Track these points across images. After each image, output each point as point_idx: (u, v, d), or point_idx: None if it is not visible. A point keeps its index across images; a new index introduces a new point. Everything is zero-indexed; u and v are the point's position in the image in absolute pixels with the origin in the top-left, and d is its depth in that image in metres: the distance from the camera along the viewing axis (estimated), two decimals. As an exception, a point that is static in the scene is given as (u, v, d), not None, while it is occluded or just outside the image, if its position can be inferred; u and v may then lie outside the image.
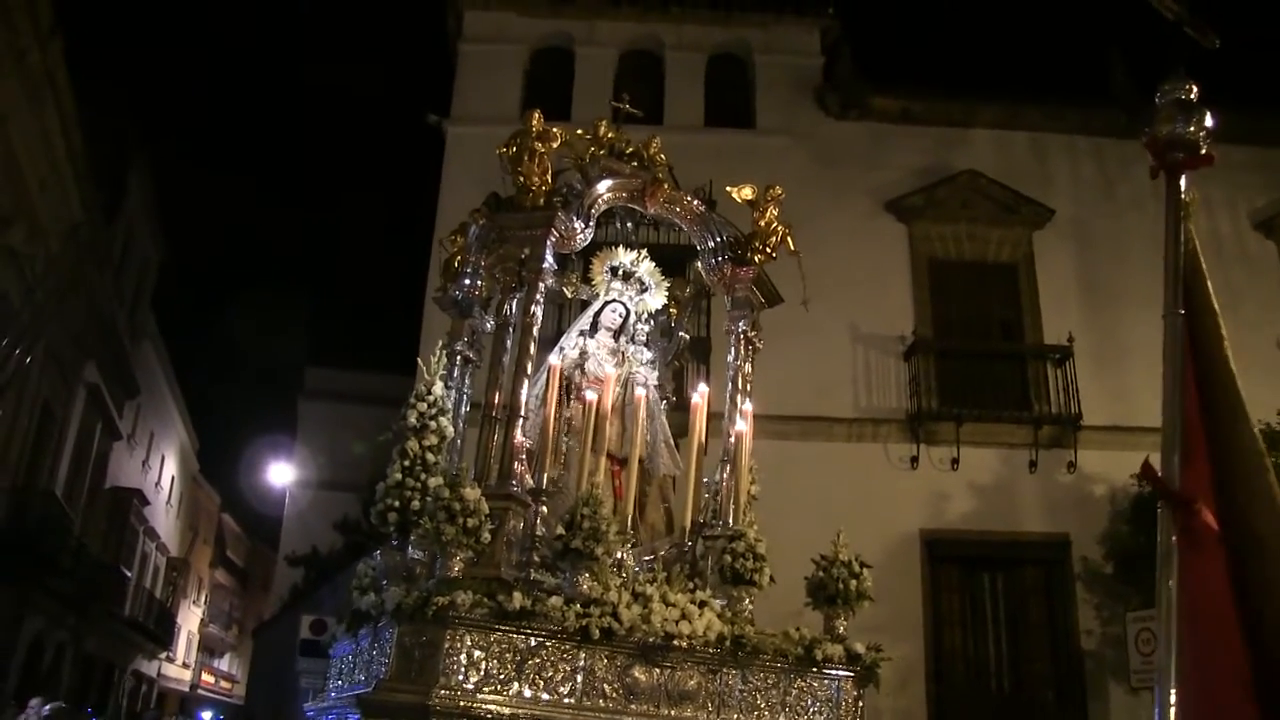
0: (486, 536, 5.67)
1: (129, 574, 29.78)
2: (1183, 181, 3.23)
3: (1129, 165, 16.43)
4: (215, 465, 43.28)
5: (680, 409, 7.79)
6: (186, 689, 42.16)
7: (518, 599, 5.36)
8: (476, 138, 15.57)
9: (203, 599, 44.48)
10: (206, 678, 45.31)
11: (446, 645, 5.29)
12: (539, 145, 6.68)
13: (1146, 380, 15.22)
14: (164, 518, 35.29)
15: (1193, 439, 3.07)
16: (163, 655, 37.19)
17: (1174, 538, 2.97)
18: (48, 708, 9.28)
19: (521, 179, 6.66)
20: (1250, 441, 3.13)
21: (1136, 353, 15.37)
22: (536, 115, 6.84)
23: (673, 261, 8.22)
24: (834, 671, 6.14)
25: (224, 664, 48.76)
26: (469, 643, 5.33)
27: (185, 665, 42.39)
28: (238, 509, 45.49)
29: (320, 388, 31.55)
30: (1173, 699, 2.73)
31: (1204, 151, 3.24)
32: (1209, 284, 3.22)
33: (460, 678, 5.27)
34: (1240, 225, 16.82)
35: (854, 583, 6.35)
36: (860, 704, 6.25)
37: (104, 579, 26.73)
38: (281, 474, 32.03)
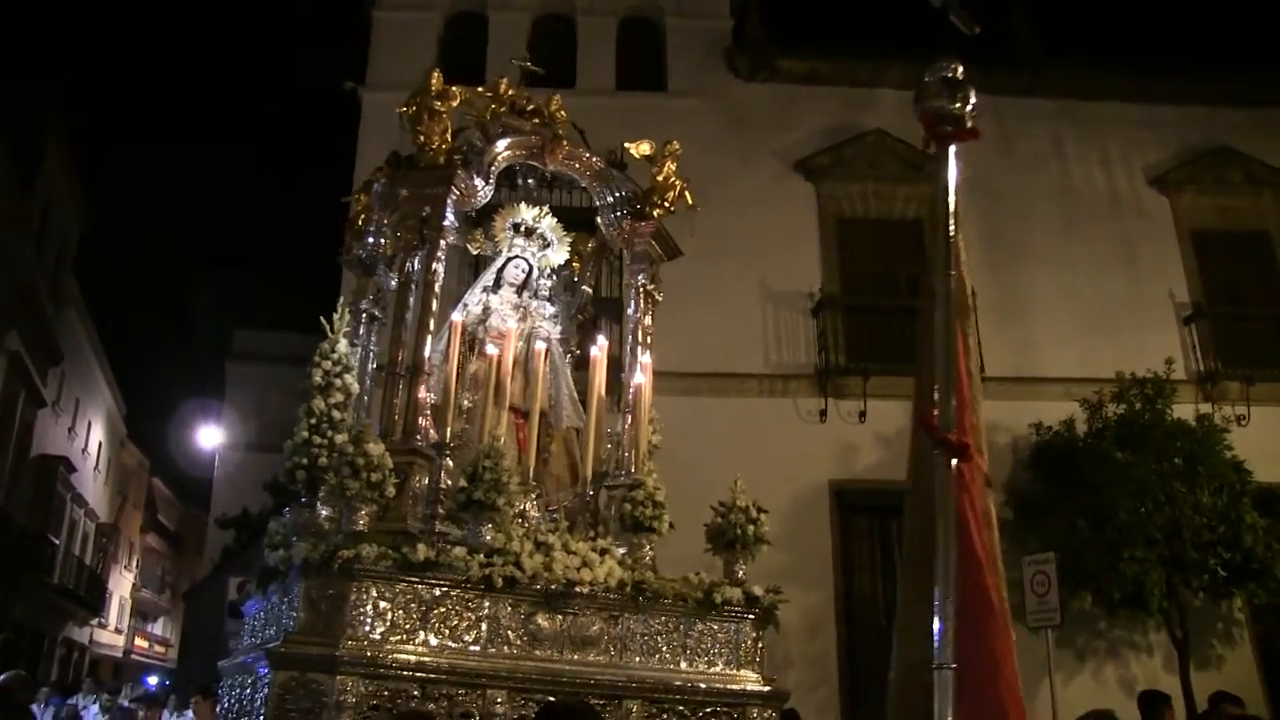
0: (391, 491, 5.68)
1: (57, 541, 29.24)
2: (951, 152, 3.38)
3: (1029, 122, 16.63)
4: (144, 430, 42.41)
5: (585, 365, 7.78)
6: (120, 655, 41.57)
7: (422, 550, 5.40)
8: (392, 104, 15.27)
9: (134, 564, 43.81)
10: (140, 643, 44.68)
11: (353, 597, 5.33)
12: (438, 104, 6.64)
13: (1047, 332, 15.52)
14: (92, 484, 34.67)
15: (963, 388, 3.15)
16: (94, 622, 36.64)
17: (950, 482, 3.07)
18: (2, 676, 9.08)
19: (421, 138, 6.62)
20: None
21: (1038, 306, 15.66)
22: (436, 74, 6.80)
23: (581, 223, 8.17)
24: (733, 614, 6.21)
25: (158, 628, 48.13)
26: (375, 594, 5.38)
27: (118, 631, 41.79)
28: (168, 472, 44.70)
29: (248, 350, 31.09)
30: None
31: (969, 126, 3.40)
32: (961, 247, 3.41)
33: (367, 628, 5.32)
34: (1135, 181, 17.00)
35: (751, 528, 6.42)
36: (760, 645, 6.34)
37: (31, 548, 26.30)
38: (211, 437, 31.65)
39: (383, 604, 5.36)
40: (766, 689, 6.20)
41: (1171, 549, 12.43)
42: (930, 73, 3.42)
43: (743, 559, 6.46)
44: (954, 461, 2.98)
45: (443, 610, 5.48)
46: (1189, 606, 13.15)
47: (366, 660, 5.20)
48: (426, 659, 5.34)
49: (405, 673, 5.28)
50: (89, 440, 34.10)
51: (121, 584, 41.59)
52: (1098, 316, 15.44)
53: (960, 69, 3.42)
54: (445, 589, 5.49)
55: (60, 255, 27.77)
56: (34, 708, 11.19)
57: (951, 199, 3.32)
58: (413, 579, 5.42)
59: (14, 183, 22.00)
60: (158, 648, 46.39)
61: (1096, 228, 16.34)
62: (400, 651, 5.30)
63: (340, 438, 5.94)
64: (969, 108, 3.38)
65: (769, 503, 6.61)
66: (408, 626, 5.39)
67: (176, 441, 37.11)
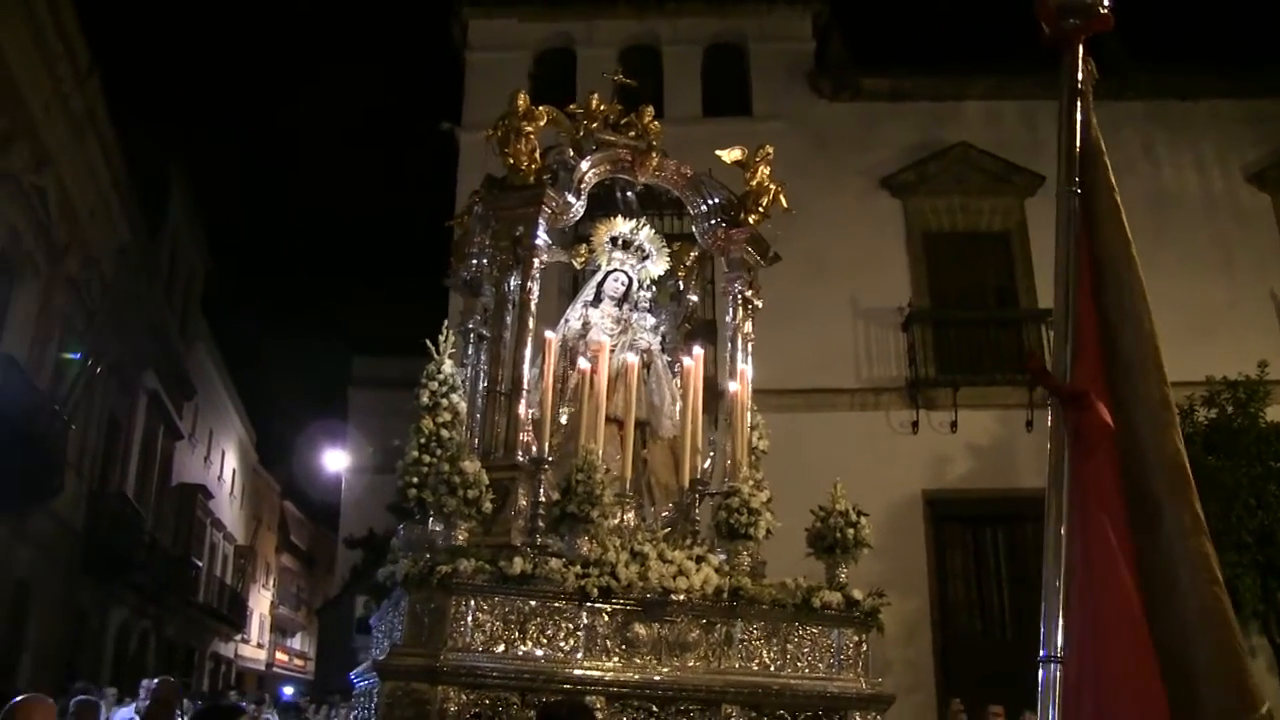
0: (488, 506, 5.55)
1: (199, 564, 29.86)
2: (1080, 51, 2.82)
3: (1118, 128, 15.94)
4: (274, 455, 42.88)
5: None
6: (262, 668, 42.28)
7: (518, 564, 5.27)
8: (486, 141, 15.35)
9: (271, 582, 44.49)
10: (280, 656, 45.36)
11: (452, 610, 5.25)
12: (525, 125, 6.47)
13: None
14: (228, 509, 35.32)
15: (1084, 327, 2.62)
16: (237, 637, 37.33)
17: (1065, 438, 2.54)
18: (156, 682, 9.32)
19: (510, 160, 6.45)
20: (1142, 330, 2.64)
21: (1127, 312, 14.94)
22: (522, 95, 6.63)
23: (686, 240, 7.89)
24: (834, 618, 5.89)
25: (296, 643, 48.78)
26: (473, 606, 5.28)
27: (260, 646, 42.50)
28: (298, 495, 45.22)
29: (367, 375, 31.24)
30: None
31: (1102, 14, 2.80)
32: (1108, 161, 2.81)
33: (467, 639, 5.24)
34: (1233, 179, 16.18)
35: (852, 531, 6.10)
36: (864, 649, 5.99)
37: (176, 570, 26.94)
38: (336, 460, 31.86)
39: (481, 615, 5.27)
40: (869, 692, 5.85)
41: (1265, 554, 11.71)
42: None
43: (843, 563, 6.13)
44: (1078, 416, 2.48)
45: (540, 620, 5.34)
46: (1290, 610, 12.37)
47: (466, 670, 5.12)
48: (525, 668, 5.20)
49: (505, 681, 5.15)
50: (223, 468, 34.79)
51: (261, 602, 42.29)
52: (1191, 320, 14.63)
53: None
54: (542, 600, 5.34)
55: (188, 294, 28.34)
56: None
57: (1079, 107, 2.79)
58: (509, 591, 5.30)
59: (144, 231, 22.53)
60: (296, 661, 47.06)
61: (1191, 229, 15.44)
62: (499, 661, 5.19)
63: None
64: None
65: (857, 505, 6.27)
66: (506, 637, 5.27)
67: (305, 466, 37.54)
